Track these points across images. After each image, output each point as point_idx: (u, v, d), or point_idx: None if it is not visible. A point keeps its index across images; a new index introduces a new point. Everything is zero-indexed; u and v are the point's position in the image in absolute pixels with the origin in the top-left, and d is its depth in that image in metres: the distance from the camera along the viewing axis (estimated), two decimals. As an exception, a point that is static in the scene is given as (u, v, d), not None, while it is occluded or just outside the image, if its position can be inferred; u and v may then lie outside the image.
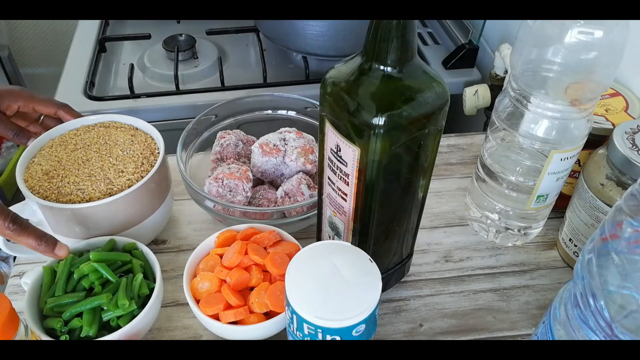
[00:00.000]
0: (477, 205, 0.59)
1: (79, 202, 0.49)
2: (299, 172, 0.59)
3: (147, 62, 0.96)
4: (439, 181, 0.68)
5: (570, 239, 0.56)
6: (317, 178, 0.52)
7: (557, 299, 0.40)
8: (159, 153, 0.55)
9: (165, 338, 0.51)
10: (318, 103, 0.42)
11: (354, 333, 0.37)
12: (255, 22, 1.00)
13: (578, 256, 0.44)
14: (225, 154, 0.62)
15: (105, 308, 0.44)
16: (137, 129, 0.58)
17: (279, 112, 0.68)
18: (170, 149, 0.57)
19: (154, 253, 0.50)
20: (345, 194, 0.43)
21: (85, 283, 0.46)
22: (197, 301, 0.47)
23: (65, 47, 1.01)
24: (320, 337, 0.38)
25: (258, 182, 0.62)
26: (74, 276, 0.46)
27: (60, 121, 0.62)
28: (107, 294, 0.44)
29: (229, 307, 0.46)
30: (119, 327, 0.44)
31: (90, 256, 0.47)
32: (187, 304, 0.48)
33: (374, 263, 0.40)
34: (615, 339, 0.32)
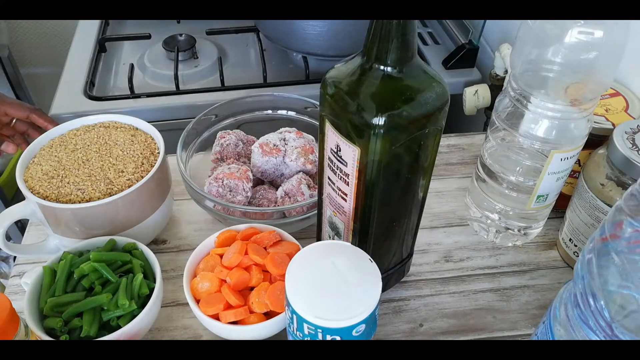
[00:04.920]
0: (477, 205, 0.59)
1: (79, 202, 0.49)
2: (299, 172, 0.59)
3: (147, 62, 0.96)
4: (439, 181, 0.68)
5: (570, 239, 0.56)
6: (317, 178, 0.52)
7: (557, 299, 0.40)
8: (159, 153, 0.55)
9: (165, 338, 0.51)
10: (318, 103, 0.42)
11: (354, 333, 0.37)
12: (255, 22, 1.00)
13: (578, 256, 0.44)
14: (225, 154, 0.62)
15: (105, 308, 0.44)
16: (137, 129, 0.58)
17: (279, 112, 0.68)
18: (170, 149, 0.57)
19: (154, 253, 0.50)
20: (345, 194, 0.43)
21: (85, 283, 0.46)
22: (197, 301, 0.47)
23: (65, 47, 1.01)
24: (320, 337, 0.38)
25: (258, 182, 0.62)
26: (74, 276, 0.46)
27: (32, 125, 0.61)
28: (107, 294, 0.44)
29: (229, 307, 0.46)
30: (119, 327, 0.44)
31: (90, 256, 0.47)
32: (187, 304, 0.48)
33: (374, 263, 0.40)
34: (615, 339, 0.32)
